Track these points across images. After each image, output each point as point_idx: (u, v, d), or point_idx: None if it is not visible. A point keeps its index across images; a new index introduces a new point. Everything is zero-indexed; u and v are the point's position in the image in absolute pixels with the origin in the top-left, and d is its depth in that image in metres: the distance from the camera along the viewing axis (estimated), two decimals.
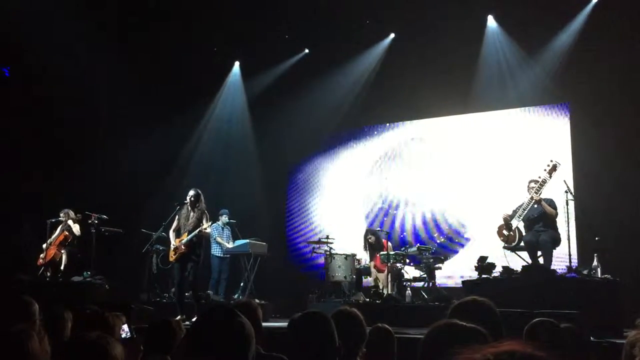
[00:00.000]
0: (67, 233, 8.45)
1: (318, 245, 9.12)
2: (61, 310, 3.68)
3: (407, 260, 8.61)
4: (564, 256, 7.69)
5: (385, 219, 10.60)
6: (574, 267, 6.74)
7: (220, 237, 9.54)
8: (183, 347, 1.97)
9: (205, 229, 7.29)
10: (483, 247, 8.78)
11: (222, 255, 9.46)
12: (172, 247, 7.39)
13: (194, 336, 1.89)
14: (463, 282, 7.39)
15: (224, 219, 9.58)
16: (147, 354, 3.44)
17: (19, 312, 3.32)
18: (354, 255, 8.94)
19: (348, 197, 11.19)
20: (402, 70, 10.06)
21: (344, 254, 8.80)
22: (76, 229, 8.48)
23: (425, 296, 8.19)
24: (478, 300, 2.37)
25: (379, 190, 10.88)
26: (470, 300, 2.38)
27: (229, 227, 9.71)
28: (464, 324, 1.79)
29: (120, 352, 1.91)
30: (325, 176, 11.56)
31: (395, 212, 10.59)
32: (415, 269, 8.77)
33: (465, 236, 9.81)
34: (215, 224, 9.37)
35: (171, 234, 7.42)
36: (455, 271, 9.45)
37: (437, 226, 10.15)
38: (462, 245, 9.87)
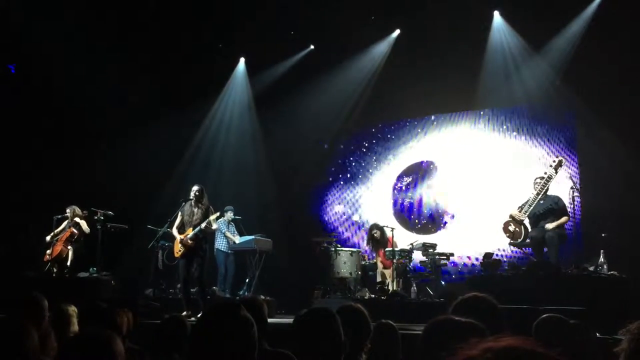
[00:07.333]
0: (73, 230, 8.48)
1: (324, 242, 9.12)
2: (67, 307, 3.71)
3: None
4: (570, 252, 7.70)
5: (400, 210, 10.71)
6: (580, 264, 6.72)
7: (229, 232, 9.56)
8: (189, 343, 1.98)
9: (212, 224, 7.27)
10: (486, 244, 8.85)
11: (227, 250, 9.47)
12: (177, 242, 7.37)
13: (200, 332, 1.89)
14: (468, 278, 7.38)
15: (229, 215, 9.59)
16: (157, 351, 3.45)
17: (29, 309, 3.35)
18: (359, 252, 8.95)
19: (354, 193, 11.22)
20: (407, 67, 10.03)
21: (349, 250, 8.81)
22: (85, 226, 8.52)
23: (431, 292, 8.18)
24: (479, 297, 2.38)
25: (386, 186, 10.91)
26: (471, 297, 2.39)
27: (233, 224, 9.72)
28: (460, 319, 1.81)
29: (122, 347, 1.92)
30: (332, 171, 11.58)
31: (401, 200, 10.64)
32: (421, 265, 8.78)
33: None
34: (221, 219, 9.40)
35: (174, 230, 7.41)
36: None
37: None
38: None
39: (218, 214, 7.44)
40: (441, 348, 1.34)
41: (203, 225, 7.14)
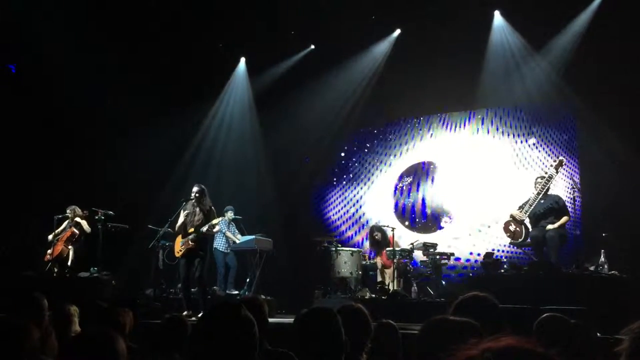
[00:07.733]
0: (74, 230, 8.49)
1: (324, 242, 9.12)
2: (69, 306, 3.71)
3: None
4: (570, 252, 7.70)
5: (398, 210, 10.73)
6: (580, 264, 6.72)
7: (229, 232, 9.55)
8: (190, 343, 1.98)
9: (214, 227, 7.26)
10: (486, 244, 8.86)
11: (225, 250, 9.47)
12: (177, 242, 7.37)
13: (201, 332, 1.90)
14: (468, 278, 7.39)
15: (230, 215, 9.59)
16: (157, 351, 3.46)
17: (29, 308, 3.36)
18: (359, 251, 8.95)
19: (356, 191, 11.24)
20: (407, 67, 10.02)
21: (349, 250, 8.80)
22: (86, 226, 8.53)
23: (431, 292, 8.18)
24: (479, 296, 2.38)
25: (388, 186, 10.93)
26: (471, 297, 2.39)
27: (233, 224, 9.72)
28: (456, 318, 1.81)
29: (124, 347, 1.92)
30: (335, 172, 11.59)
31: (404, 200, 10.66)
32: (421, 264, 8.78)
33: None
34: (222, 219, 9.39)
35: (177, 230, 7.41)
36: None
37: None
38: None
39: (221, 219, 7.44)
40: (438, 348, 1.34)
41: (205, 228, 7.13)
